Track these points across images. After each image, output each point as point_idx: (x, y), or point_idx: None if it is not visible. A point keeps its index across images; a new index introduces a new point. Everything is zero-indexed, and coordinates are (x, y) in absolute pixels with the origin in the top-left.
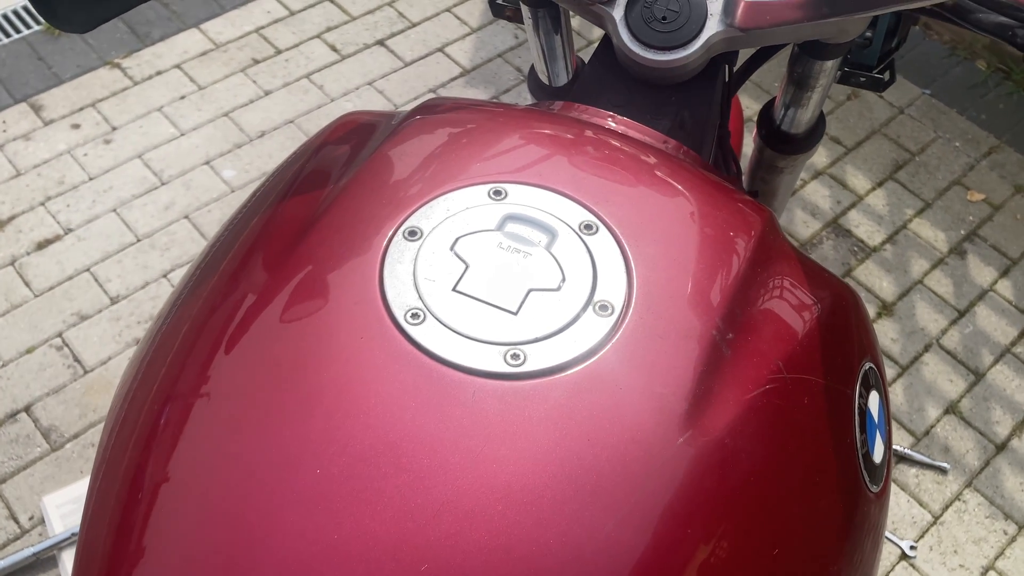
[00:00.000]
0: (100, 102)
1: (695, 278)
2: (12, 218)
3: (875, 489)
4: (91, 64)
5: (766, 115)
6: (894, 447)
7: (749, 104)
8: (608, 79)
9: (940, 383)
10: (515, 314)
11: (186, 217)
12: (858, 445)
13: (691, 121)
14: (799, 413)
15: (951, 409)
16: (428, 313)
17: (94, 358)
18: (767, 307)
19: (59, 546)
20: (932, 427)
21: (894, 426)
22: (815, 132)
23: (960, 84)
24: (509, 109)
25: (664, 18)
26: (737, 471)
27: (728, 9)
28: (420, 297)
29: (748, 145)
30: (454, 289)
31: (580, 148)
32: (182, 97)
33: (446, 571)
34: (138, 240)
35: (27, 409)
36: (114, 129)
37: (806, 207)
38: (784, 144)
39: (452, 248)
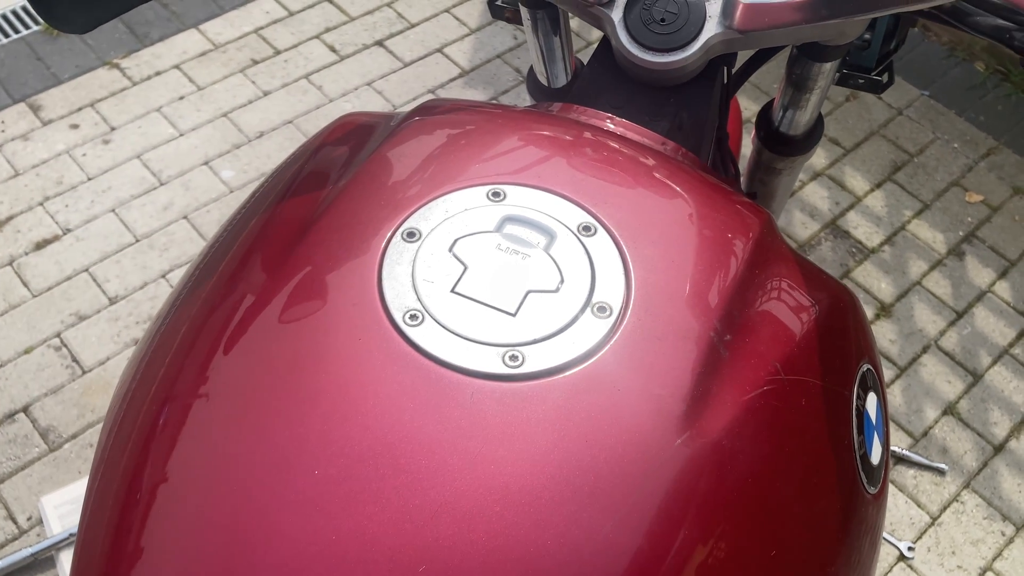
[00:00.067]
0: (99, 102)
1: (693, 280)
2: (10, 218)
3: (873, 490)
4: (90, 64)
5: (764, 117)
6: (892, 448)
7: (748, 105)
8: (607, 81)
9: (938, 384)
10: (513, 315)
11: (185, 217)
12: (856, 446)
13: (689, 123)
14: (797, 415)
15: (949, 410)
16: (426, 314)
17: (92, 358)
18: (765, 309)
19: (57, 546)
20: (930, 428)
21: (892, 427)
22: (813, 134)
23: (959, 85)
24: (508, 110)
25: (663, 20)
26: (735, 472)
27: (726, 11)
28: (418, 298)
29: (747, 146)
30: (452, 290)
31: (579, 150)
32: (181, 97)
33: (444, 572)
34: (137, 240)
35: (25, 409)
36: (113, 129)
37: (805, 208)
38: (782, 146)
39: (451, 249)
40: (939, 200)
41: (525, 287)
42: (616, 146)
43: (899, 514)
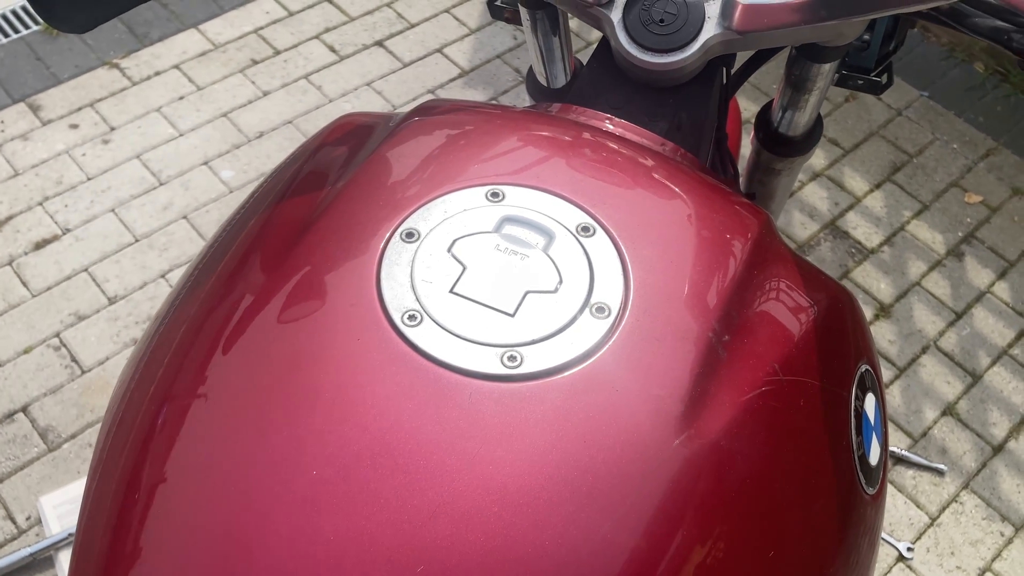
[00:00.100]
0: (98, 102)
1: (692, 280)
2: (10, 218)
3: (871, 491)
4: (89, 64)
5: (763, 117)
6: (892, 449)
7: (747, 106)
8: (606, 81)
9: (937, 385)
10: (512, 316)
11: (184, 217)
12: (854, 447)
13: (688, 123)
14: (795, 415)
15: (948, 411)
16: (425, 315)
17: (92, 358)
18: (763, 309)
19: (56, 546)
20: (929, 429)
21: (892, 427)
22: (812, 134)
23: (958, 86)
24: (507, 111)
25: (662, 21)
26: (733, 473)
27: (725, 12)
28: (417, 299)
29: (746, 147)
30: (451, 291)
31: (577, 150)
32: (181, 97)
33: (442, 573)
34: (136, 240)
35: (24, 409)
36: (112, 129)
37: (804, 209)
38: (781, 146)
39: (449, 250)
40: (938, 201)
41: (524, 287)
42: (615, 147)
43: (898, 514)
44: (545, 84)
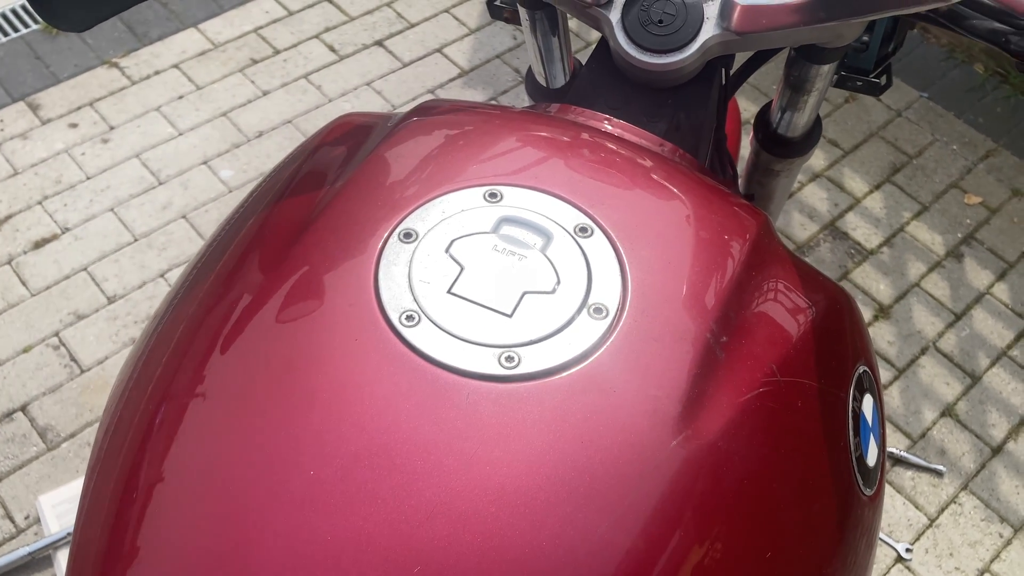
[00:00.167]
0: (98, 101)
1: (690, 281)
2: (9, 217)
3: (869, 492)
4: (89, 63)
5: (762, 118)
6: (891, 449)
7: (747, 107)
8: (605, 82)
9: (936, 386)
10: (510, 316)
11: (183, 217)
12: (852, 448)
13: (687, 124)
14: (793, 416)
15: (947, 412)
16: (423, 315)
17: (91, 358)
18: (761, 310)
19: (55, 545)
20: (928, 430)
21: (891, 428)
22: (811, 136)
23: (958, 87)
24: (505, 111)
25: (660, 21)
26: (731, 474)
27: (724, 13)
28: (415, 299)
29: (745, 147)
30: (449, 291)
31: (576, 151)
32: (180, 97)
33: (439, 573)
34: (135, 240)
35: (23, 408)
36: (112, 128)
37: (803, 209)
38: (780, 147)
39: (447, 250)
40: (938, 202)
41: (521, 288)
42: (613, 147)
43: (897, 515)
44: (544, 84)
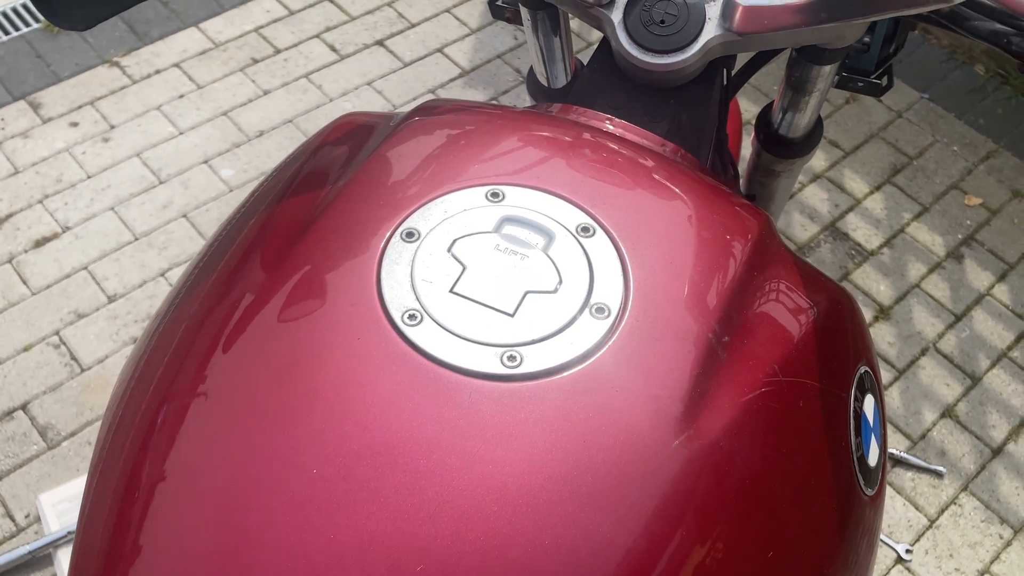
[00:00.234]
0: (99, 100)
1: (691, 281)
2: (10, 216)
3: (870, 492)
4: (90, 62)
5: (764, 119)
6: (891, 450)
7: (748, 107)
8: (606, 82)
9: (937, 387)
10: (512, 316)
11: (184, 216)
12: (853, 448)
13: (689, 124)
14: (794, 416)
15: (947, 413)
16: (425, 314)
17: (91, 356)
18: (763, 310)
19: (55, 544)
20: (928, 431)
21: (891, 429)
22: (813, 136)
23: (958, 88)
24: (507, 111)
25: (662, 21)
26: (732, 474)
27: (726, 13)
28: (417, 298)
29: (746, 148)
30: (451, 291)
31: (578, 151)
32: (181, 96)
33: (442, 571)
34: (136, 239)
35: (24, 407)
36: (112, 127)
37: (804, 210)
38: (782, 148)
39: (449, 250)
40: (938, 203)
41: (523, 288)
42: (615, 147)
43: (897, 516)
44: (546, 84)
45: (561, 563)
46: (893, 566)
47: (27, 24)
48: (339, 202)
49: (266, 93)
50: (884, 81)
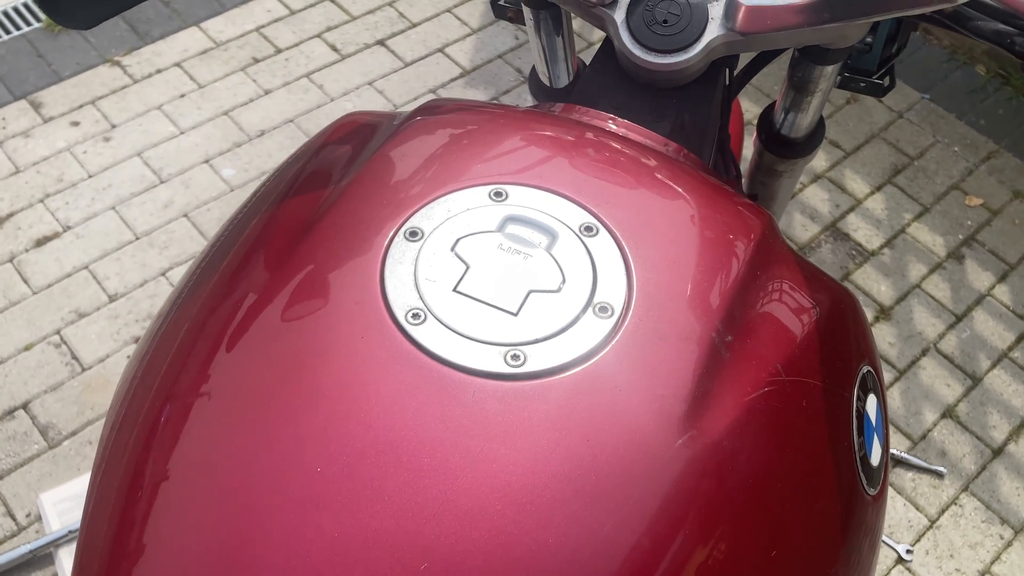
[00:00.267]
0: (100, 100)
1: (695, 281)
2: (11, 215)
3: (872, 492)
4: (91, 62)
5: (766, 119)
6: (891, 451)
7: (748, 107)
8: (609, 81)
9: (937, 387)
10: (515, 315)
11: (185, 216)
12: (856, 448)
13: (691, 124)
14: (797, 416)
15: (948, 413)
16: (429, 313)
17: (92, 356)
18: (766, 310)
19: (56, 543)
20: (929, 431)
21: (891, 430)
22: (815, 136)
23: (959, 89)
24: (510, 111)
25: (665, 21)
26: (735, 473)
27: (729, 13)
28: (421, 297)
29: (747, 148)
30: (455, 290)
31: (581, 150)
32: (182, 95)
33: (446, 570)
34: (137, 238)
35: (25, 406)
36: (113, 127)
37: (805, 210)
38: (784, 148)
39: (453, 249)
40: (939, 203)
41: (527, 287)
42: (618, 147)
43: (898, 517)
44: (548, 84)
45: (564, 562)
46: (894, 566)
47: (28, 23)
48: (342, 201)
49: (267, 93)
50: (886, 81)
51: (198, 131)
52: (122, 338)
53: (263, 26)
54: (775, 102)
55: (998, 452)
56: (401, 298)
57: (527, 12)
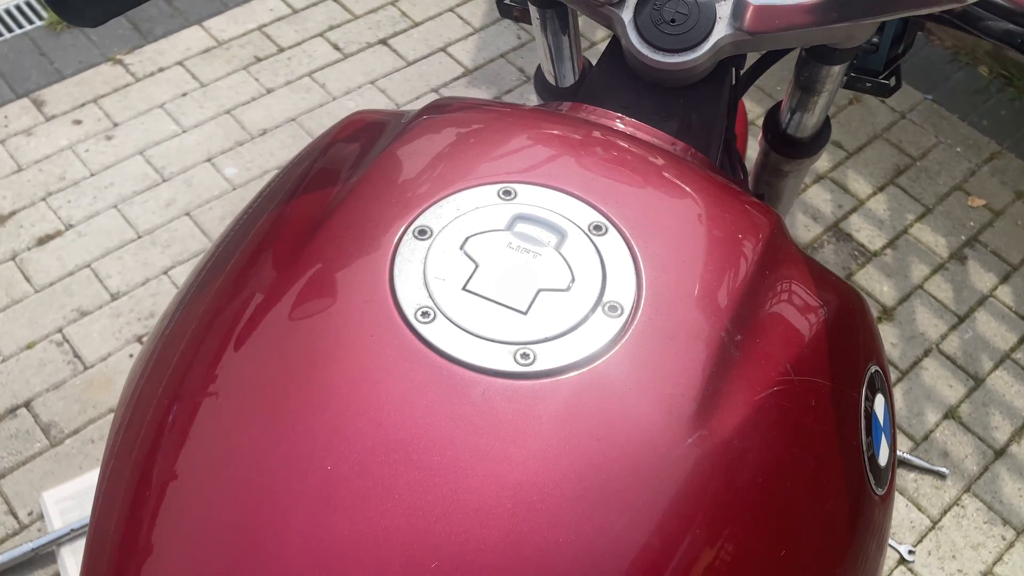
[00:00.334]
0: (102, 98)
1: (704, 280)
2: (13, 213)
3: (880, 492)
4: (93, 60)
5: (772, 119)
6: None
7: (750, 107)
8: (616, 80)
9: (940, 388)
10: (525, 314)
11: (187, 214)
12: (864, 448)
13: (699, 123)
14: (806, 415)
15: (950, 414)
16: (438, 312)
17: (94, 354)
18: (775, 309)
19: (58, 542)
20: (931, 432)
21: None
22: (821, 136)
23: (962, 90)
24: (518, 109)
25: (673, 20)
26: (745, 472)
27: (737, 13)
28: (430, 296)
29: (751, 148)
30: (464, 288)
31: (589, 149)
32: (184, 94)
33: (456, 568)
34: (139, 237)
35: (27, 404)
36: (116, 125)
37: (807, 211)
38: (790, 148)
39: (462, 247)
40: (941, 204)
41: (536, 285)
42: (626, 146)
43: (900, 517)
44: (553, 83)
45: (575, 561)
46: (896, 567)
47: (30, 21)
48: (351, 200)
49: (269, 91)
50: (892, 82)
51: (200, 130)
52: (124, 337)
53: (265, 25)
54: (781, 102)
55: (1000, 453)
56: (410, 296)
57: (533, 11)
